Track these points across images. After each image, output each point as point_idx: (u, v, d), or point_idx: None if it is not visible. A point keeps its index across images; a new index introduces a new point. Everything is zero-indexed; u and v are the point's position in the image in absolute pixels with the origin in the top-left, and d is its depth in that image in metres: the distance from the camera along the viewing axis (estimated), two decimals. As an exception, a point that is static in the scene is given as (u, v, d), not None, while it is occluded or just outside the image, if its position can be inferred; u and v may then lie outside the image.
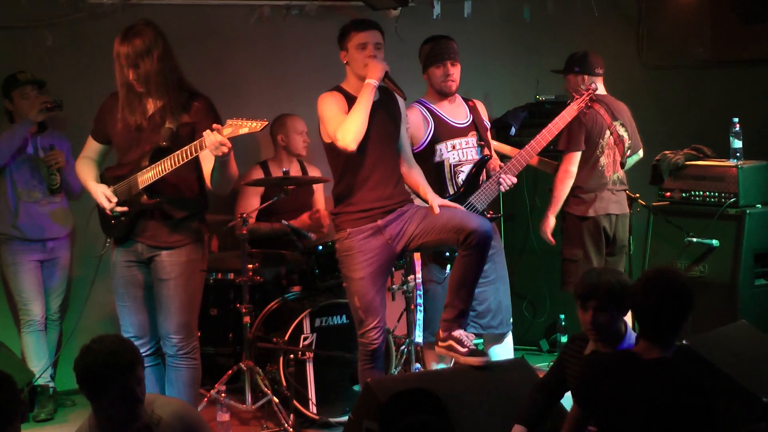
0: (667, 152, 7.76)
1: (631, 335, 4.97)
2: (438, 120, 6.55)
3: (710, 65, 9.42)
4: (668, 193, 7.69)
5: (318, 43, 8.10)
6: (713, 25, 9.35)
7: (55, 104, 6.97)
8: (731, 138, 7.42)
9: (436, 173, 6.50)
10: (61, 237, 7.37)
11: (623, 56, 8.95)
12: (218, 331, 7.11)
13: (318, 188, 8.00)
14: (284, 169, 7.30)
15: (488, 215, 6.49)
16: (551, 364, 5.38)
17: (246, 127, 5.28)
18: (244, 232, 6.68)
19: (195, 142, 5.39)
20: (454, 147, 6.55)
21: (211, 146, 5.28)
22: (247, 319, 6.66)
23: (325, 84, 7.58)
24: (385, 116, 5.81)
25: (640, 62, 9.49)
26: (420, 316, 6.61)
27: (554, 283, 7.79)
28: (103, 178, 5.84)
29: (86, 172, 5.86)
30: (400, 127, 5.96)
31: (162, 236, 5.73)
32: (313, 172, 7.90)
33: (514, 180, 6.59)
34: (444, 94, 6.58)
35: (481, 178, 6.57)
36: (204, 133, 5.29)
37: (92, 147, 5.93)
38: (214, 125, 5.31)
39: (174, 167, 5.49)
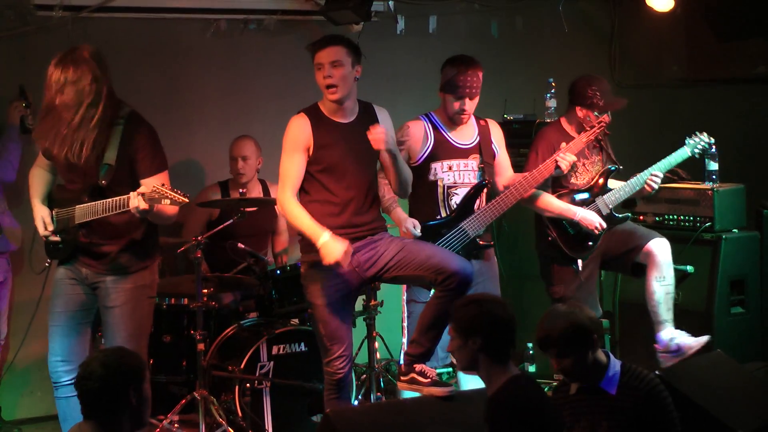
0: (640, 174, 7.65)
1: (615, 364, 4.86)
2: (439, 138, 6.33)
3: (685, 84, 9.35)
4: (641, 217, 7.65)
5: (277, 59, 8.10)
6: (688, 43, 9.28)
7: (26, 103, 7.06)
8: (706, 160, 7.39)
9: (428, 192, 6.32)
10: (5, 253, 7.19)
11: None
12: (171, 359, 6.96)
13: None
14: (241, 191, 7.19)
15: (480, 243, 6.32)
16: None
17: (168, 198, 5.29)
18: (198, 255, 6.55)
19: (123, 198, 5.40)
20: (450, 168, 6.32)
21: (132, 209, 5.35)
22: (201, 346, 6.57)
23: (282, 102, 7.38)
24: (363, 137, 5.56)
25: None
26: (405, 340, 6.57)
27: (521, 310, 7.71)
28: (52, 197, 5.74)
29: (35, 187, 5.79)
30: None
31: (106, 263, 5.65)
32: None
33: (573, 158, 6.46)
34: (454, 123, 6.39)
35: (477, 203, 6.36)
36: (130, 195, 5.35)
37: (42, 159, 5.79)
38: (139, 190, 5.33)
39: (105, 214, 5.48)
